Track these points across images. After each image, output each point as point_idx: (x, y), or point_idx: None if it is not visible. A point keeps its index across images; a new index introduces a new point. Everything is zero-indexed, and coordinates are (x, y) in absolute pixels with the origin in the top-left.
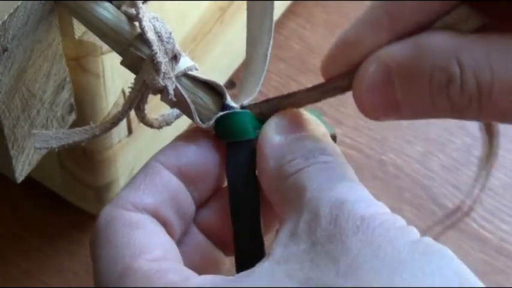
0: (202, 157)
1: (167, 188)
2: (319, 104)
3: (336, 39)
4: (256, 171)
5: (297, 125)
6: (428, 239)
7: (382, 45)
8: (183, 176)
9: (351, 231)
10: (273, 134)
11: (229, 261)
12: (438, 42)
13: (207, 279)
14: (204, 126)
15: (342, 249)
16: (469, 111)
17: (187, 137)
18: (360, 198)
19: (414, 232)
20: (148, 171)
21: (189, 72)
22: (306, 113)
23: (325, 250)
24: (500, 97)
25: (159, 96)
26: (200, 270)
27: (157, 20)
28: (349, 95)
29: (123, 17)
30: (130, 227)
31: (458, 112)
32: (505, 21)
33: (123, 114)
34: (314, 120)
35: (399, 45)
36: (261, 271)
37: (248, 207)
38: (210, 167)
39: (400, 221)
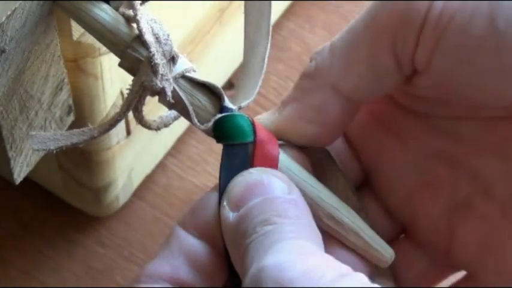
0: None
1: (185, 251)
2: None
3: None
4: None
5: (248, 194)
6: None
7: None
8: (203, 235)
9: None
10: (226, 213)
11: None
12: None
13: None
14: (202, 128)
15: None
16: None
17: (205, 197)
18: (283, 260)
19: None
20: (168, 237)
21: (187, 74)
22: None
23: None
24: None
25: (157, 97)
26: None
27: (155, 22)
28: None
29: (121, 19)
30: None
31: None
32: None
33: (121, 115)
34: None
35: None
36: None
37: None
38: None
39: (330, 274)
